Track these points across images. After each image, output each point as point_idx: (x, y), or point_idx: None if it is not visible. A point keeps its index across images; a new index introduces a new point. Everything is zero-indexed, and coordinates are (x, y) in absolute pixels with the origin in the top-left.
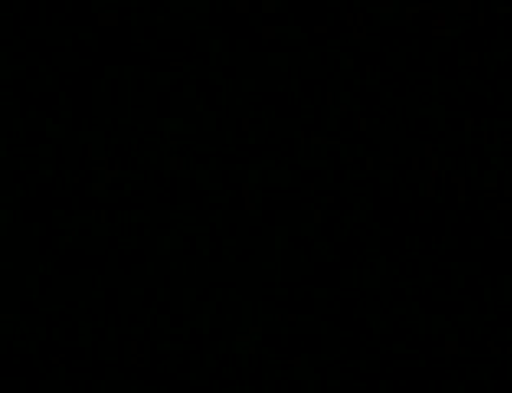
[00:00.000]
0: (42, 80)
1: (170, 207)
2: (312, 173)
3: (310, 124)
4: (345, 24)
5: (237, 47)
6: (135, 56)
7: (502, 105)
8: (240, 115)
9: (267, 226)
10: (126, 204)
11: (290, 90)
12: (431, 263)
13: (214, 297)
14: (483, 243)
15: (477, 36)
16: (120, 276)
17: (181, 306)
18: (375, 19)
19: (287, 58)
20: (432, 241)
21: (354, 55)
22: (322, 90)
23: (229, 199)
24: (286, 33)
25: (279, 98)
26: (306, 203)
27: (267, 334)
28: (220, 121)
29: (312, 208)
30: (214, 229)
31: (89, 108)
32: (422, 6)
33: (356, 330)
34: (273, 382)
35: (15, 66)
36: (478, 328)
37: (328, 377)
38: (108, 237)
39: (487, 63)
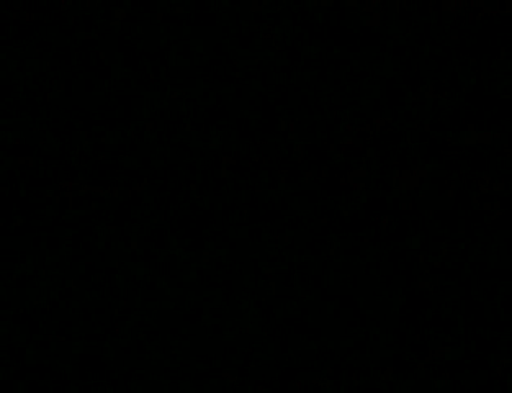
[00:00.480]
0: (44, 83)
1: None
2: (310, 173)
3: (308, 123)
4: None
5: (236, 48)
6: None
7: (502, 105)
8: (236, 116)
9: (265, 226)
10: (124, 206)
11: (288, 90)
12: (430, 264)
13: (215, 298)
14: (483, 243)
15: (476, 35)
16: (119, 277)
17: (179, 308)
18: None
19: (285, 58)
20: (431, 244)
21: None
22: (321, 89)
23: (228, 200)
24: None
25: (276, 98)
26: (304, 204)
27: (266, 335)
28: (218, 122)
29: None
30: (214, 230)
31: (88, 110)
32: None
33: (355, 332)
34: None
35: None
36: (478, 328)
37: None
38: (107, 237)
39: (486, 62)
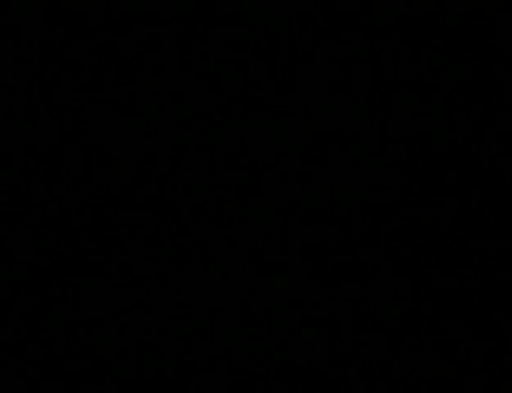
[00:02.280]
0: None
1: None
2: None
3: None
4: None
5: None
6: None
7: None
8: (233, 112)
9: (264, 225)
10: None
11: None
12: (431, 265)
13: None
14: (483, 244)
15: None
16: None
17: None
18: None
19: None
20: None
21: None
22: (320, 87)
23: (227, 200)
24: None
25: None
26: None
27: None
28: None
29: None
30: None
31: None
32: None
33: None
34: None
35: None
36: (478, 329)
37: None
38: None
39: (486, 63)
